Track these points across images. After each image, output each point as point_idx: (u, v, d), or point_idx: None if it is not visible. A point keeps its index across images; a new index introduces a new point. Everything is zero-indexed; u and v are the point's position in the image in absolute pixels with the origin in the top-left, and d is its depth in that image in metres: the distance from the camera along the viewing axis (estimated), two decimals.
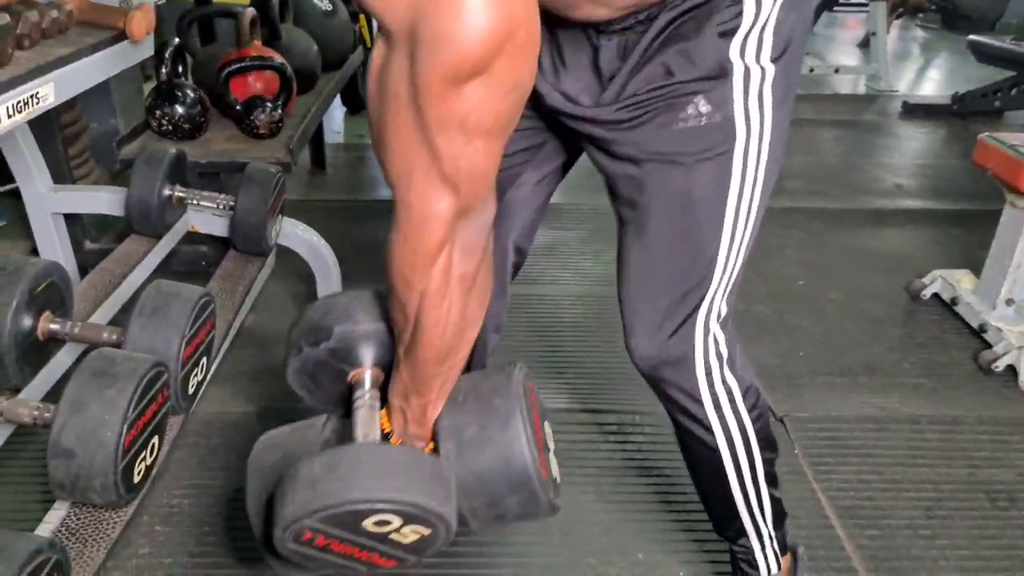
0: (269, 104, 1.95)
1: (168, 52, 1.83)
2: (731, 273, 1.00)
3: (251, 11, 2.03)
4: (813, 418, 1.77)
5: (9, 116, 1.14)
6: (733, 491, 1.13)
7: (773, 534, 1.19)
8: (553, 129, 1.05)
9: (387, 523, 0.75)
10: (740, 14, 0.84)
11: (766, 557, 1.20)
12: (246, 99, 1.96)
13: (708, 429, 1.08)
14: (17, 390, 1.15)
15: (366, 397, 0.91)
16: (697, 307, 1.00)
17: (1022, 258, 1.98)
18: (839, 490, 1.57)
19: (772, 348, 2.03)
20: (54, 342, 1.20)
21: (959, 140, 3.74)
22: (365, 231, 2.57)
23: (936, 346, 2.07)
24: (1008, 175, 1.88)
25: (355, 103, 3.64)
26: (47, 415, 1.01)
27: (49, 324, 1.17)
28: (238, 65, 1.93)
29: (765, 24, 0.85)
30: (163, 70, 1.83)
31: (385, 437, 0.89)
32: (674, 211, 0.95)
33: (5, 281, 1.12)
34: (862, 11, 5.39)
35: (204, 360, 1.25)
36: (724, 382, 1.05)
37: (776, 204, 2.88)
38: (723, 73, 0.86)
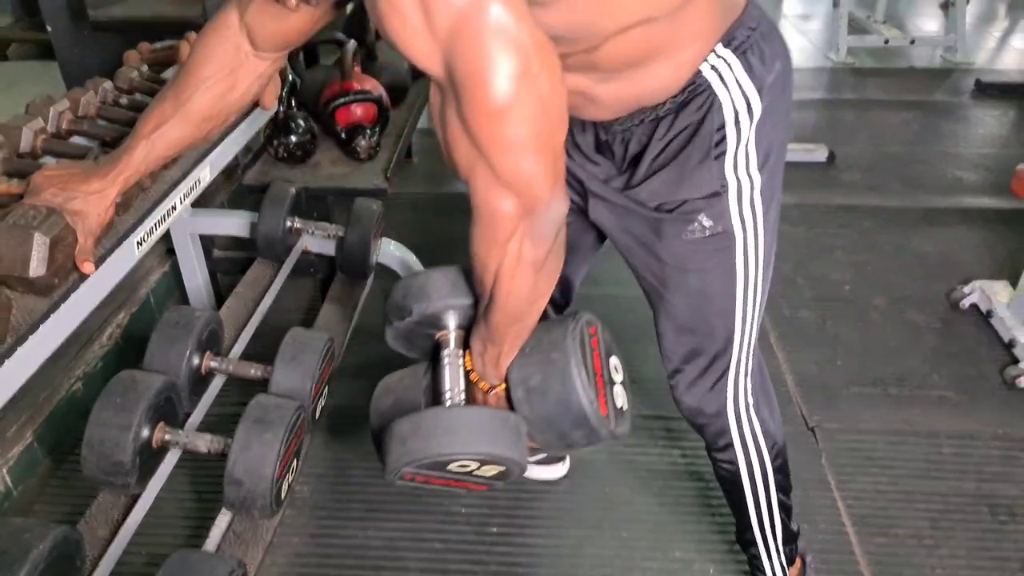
0: (368, 131, 2.21)
1: (284, 90, 2.10)
2: (750, 339, 1.24)
3: (353, 43, 2.27)
4: (842, 429, 2.00)
5: (180, 203, 1.44)
6: (749, 511, 1.40)
7: (781, 549, 1.45)
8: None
9: (467, 466, 0.97)
10: (724, 138, 1.03)
11: (772, 566, 1.47)
12: (348, 125, 2.22)
13: (733, 462, 1.35)
14: (186, 416, 1.48)
15: (451, 355, 1.11)
16: (726, 369, 1.25)
17: None
18: (856, 499, 1.81)
19: (812, 356, 2.24)
20: (212, 375, 1.53)
21: None
22: (450, 225, 2.84)
23: (967, 358, 2.25)
24: None
25: None
26: (218, 447, 1.34)
27: (210, 362, 1.50)
28: (343, 99, 2.19)
29: (748, 141, 1.05)
30: (280, 107, 2.10)
31: (467, 374, 1.09)
32: (695, 305, 1.20)
33: (181, 332, 1.44)
34: None
35: (326, 389, 1.56)
36: (751, 425, 1.31)
37: (832, 200, 3.08)
38: (721, 191, 1.07)
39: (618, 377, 1.11)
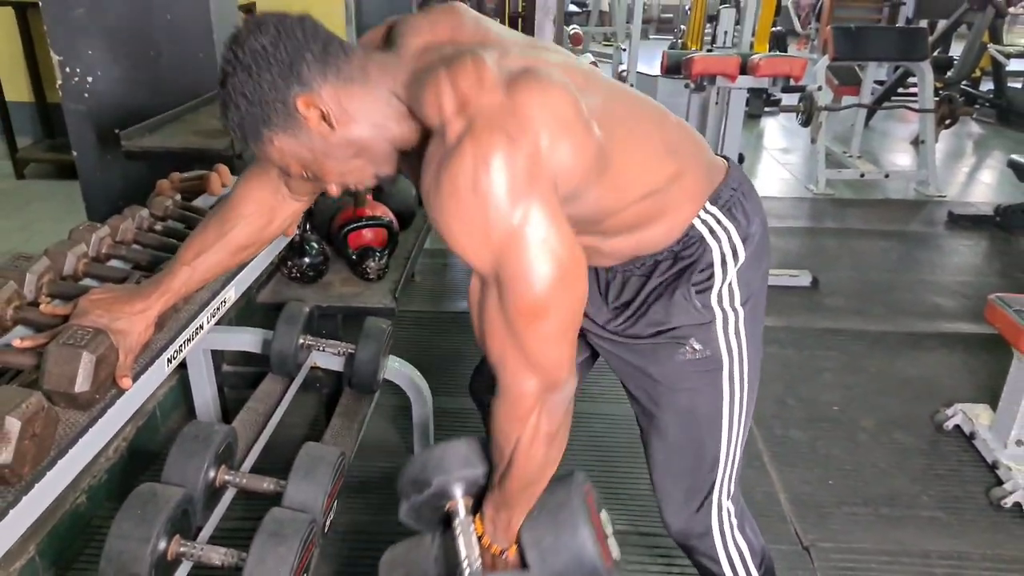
0: (378, 253, 2.34)
1: (301, 216, 2.23)
2: (733, 461, 1.32)
3: None
4: (836, 548, 2.03)
5: (207, 322, 1.54)
6: None
7: None
8: None
9: None
10: (712, 276, 1.19)
11: None
12: (359, 248, 2.35)
13: None
14: (198, 528, 1.51)
15: (463, 524, 1.21)
16: (711, 490, 1.33)
17: None
18: None
19: (804, 476, 2.30)
20: (225, 488, 1.58)
21: (1000, 255, 3.95)
22: (450, 342, 2.94)
23: (954, 479, 2.31)
24: (1012, 338, 2.14)
25: None
26: (231, 560, 1.38)
27: (224, 476, 1.55)
28: (355, 224, 2.33)
29: (731, 280, 1.20)
30: (296, 231, 2.23)
31: (479, 539, 1.20)
32: (684, 424, 1.29)
33: (200, 446, 1.50)
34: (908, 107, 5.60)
35: (335, 503, 1.61)
36: (736, 544, 1.37)
37: (818, 324, 3.21)
38: (709, 319, 1.21)
39: (609, 529, 1.21)
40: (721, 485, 1.33)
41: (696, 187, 1.17)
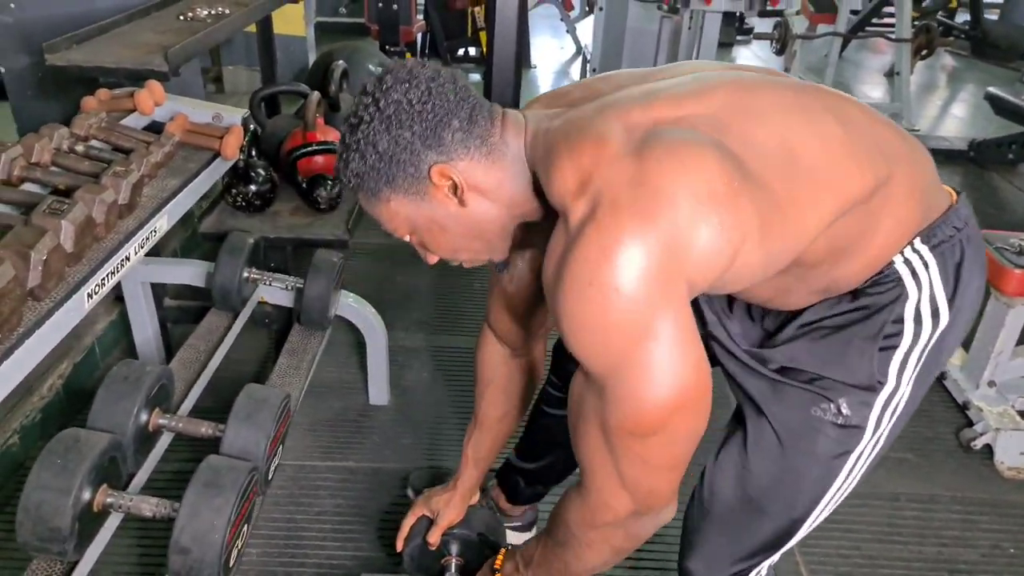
0: (330, 182, 2.18)
1: (245, 139, 2.06)
2: (806, 531, 1.08)
3: (316, 95, 2.25)
4: None
5: (134, 254, 1.39)
6: None
7: None
8: None
9: None
10: (901, 333, 0.94)
11: None
12: (310, 176, 2.19)
13: None
14: (131, 476, 1.40)
15: None
16: (763, 560, 1.11)
17: (1004, 345, 2.17)
18: (820, 564, 1.79)
19: None
20: (160, 433, 1.46)
21: (973, 189, 3.89)
22: (407, 276, 2.81)
23: (924, 419, 2.27)
24: (993, 277, 2.07)
25: None
26: (164, 511, 1.26)
27: (159, 419, 1.43)
28: (306, 150, 2.16)
29: (925, 348, 0.95)
30: (240, 156, 2.06)
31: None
32: (779, 479, 1.03)
33: (130, 388, 1.37)
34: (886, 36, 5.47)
35: (280, 448, 1.50)
36: None
37: None
38: (873, 387, 0.96)
39: None
40: (777, 554, 1.10)
41: (901, 211, 0.91)
